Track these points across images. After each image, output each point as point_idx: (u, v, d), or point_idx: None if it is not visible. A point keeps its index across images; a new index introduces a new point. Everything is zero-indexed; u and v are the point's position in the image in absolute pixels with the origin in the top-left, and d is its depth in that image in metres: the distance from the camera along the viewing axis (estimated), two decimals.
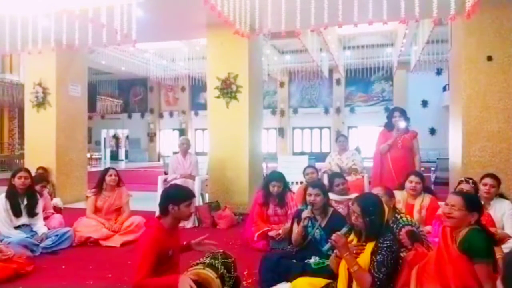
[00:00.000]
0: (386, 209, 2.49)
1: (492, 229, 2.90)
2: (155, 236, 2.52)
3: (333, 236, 2.36)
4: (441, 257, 2.23)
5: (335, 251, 2.44)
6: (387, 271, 2.24)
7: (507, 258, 1.39)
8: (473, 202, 2.28)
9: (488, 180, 3.61)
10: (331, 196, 4.28)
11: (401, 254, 2.82)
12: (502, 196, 3.66)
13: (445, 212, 2.26)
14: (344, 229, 2.46)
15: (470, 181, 3.76)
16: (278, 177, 4.34)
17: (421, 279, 2.26)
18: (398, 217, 2.98)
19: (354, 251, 2.37)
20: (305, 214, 3.22)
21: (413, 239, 2.87)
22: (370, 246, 2.32)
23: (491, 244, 2.18)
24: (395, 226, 2.92)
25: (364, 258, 2.31)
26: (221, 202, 5.93)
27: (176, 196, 2.61)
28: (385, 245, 2.28)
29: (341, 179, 4.52)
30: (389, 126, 5.29)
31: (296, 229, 3.31)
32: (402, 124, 5.17)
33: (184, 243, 2.82)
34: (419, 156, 5.27)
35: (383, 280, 2.23)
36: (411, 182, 3.88)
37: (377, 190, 3.08)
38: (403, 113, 5.28)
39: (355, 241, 2.44)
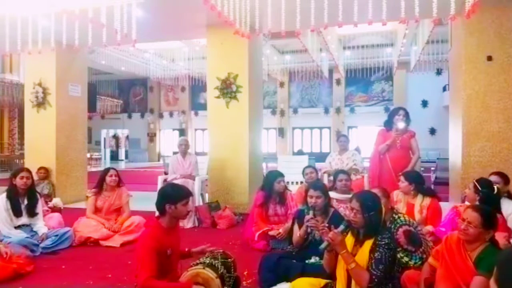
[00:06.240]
0: (383, 208, 2.49)
1: (502, 235, 2.89)
2: (154, 235, 2.53)
3: (330, 234, 2.36)
4: (462, 271, 2.22)
5: (326, 247, 2.42)
6: (385, 268, 2.25)
7: (500, 259, 1.38)
8: (491, 219, 2.24)
9: (493, 178, 3.58)
10: (333, 195, 4.28)
11: (401, 258, 2.82)
12: (509, 195, 3.56)
13: (461, 228, 2.25)
14: (341, 227, 2.46)
15: (471, 184, 3.48)
16: (281, 173, 4.48)
17: None
18: (396, 217, 3.01)
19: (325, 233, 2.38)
20: (307, 219, 3.19)
21: (411, 239, 2.87)
22: (368, 244, 2.33)
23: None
24: (392, 226, 2.94)
25: (363, 256, 2.32)
26: (221, 202, 5.93)
27: (172, 196, 2.59)
28: (383, 242, 2.29)
29: (345, 176, 4.52)
30: (389, 125, 5.28)
31: (296, 230, 3.31)
32: (400, 124, 5.15)
33: (186, 249, 2.82)
34: (418, 154, 5.24)
35: (381, 277, 2.24)
36: (399, 183, 3.96)
37: (375, 192, 3.08)
38: (407, 114, 5.27)
39: (352, 241, 2.43)
